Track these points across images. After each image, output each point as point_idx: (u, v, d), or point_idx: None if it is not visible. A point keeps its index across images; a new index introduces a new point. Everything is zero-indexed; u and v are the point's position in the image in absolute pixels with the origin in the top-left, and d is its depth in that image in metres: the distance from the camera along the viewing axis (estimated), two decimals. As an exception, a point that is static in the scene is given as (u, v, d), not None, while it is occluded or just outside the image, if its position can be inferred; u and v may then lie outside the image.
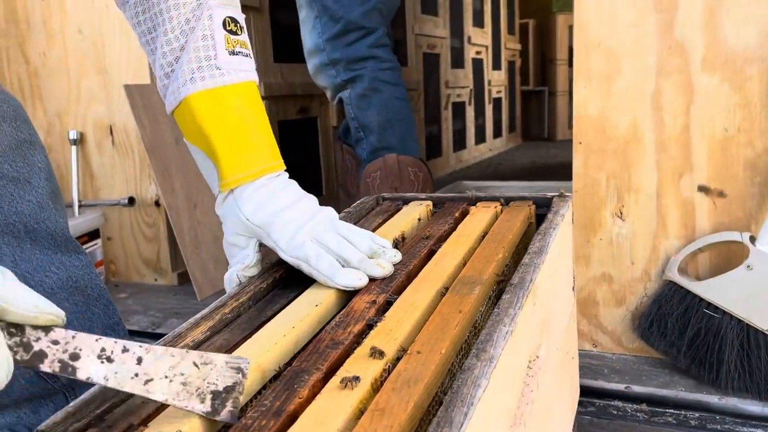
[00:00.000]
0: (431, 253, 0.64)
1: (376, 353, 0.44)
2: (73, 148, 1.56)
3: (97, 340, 0.38)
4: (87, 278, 0.74)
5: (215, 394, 0.39)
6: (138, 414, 0.41)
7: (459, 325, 0.47)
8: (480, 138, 3.77)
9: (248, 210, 0.61)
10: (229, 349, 0.50)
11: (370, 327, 0.49)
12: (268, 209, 0.61)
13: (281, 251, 0.61)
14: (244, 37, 0.63)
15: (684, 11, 1.00)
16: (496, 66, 3.98)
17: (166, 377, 0.39)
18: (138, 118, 1.44)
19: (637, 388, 0.99)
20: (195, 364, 0.39)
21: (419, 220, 0.77)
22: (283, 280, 0.64)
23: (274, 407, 0.39)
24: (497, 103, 4.03)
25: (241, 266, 0.62)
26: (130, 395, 0.43)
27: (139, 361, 0.38)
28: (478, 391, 0.40)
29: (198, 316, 0.54)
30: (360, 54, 1.42)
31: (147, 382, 0.38)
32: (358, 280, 0.57)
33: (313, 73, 1.51)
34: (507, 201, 0.78)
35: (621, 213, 1.07)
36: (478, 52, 3.65)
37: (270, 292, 0.61)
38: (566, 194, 0.76)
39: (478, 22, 3.63)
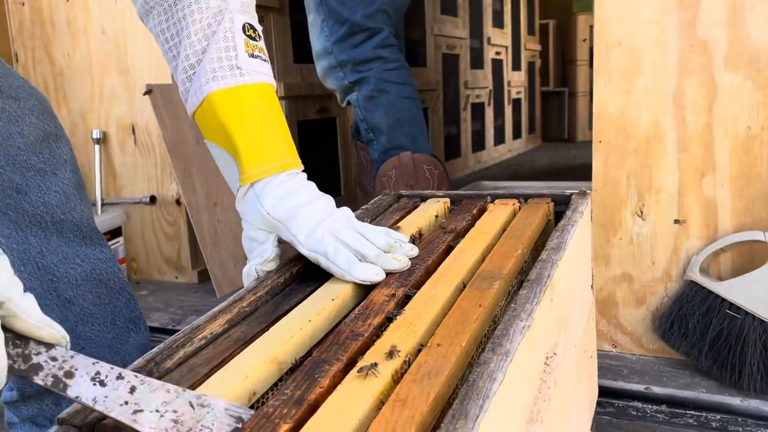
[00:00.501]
0: (449, 249, 0.64)
1: (395, 352, 0.43)
2: (96, 147, 1.59)
3: (94, 363, 0.39)
4: (110, 271, 0.75)
5: None
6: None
7: (479, 319, 0.47)
8: (499, 139, 3.76)
9: (269, 204, 0.62)
10: (246, 342, 0.50)
11: (389, 320, 0.49)
12: (289, 204, 0.62)
13: (300, 245, 0.61)
14: (261, 43, 0.65)
15: (706, 8, 0.98)
16: (516, 67, 3.96)
17: (157, 411, 0.38)
18: (160, 117, 1.46)
19: (657, 389, 0.97)
20: (191, 404, 0.38)
21: (437, 217, 0.77)
22: (300, 275, 0.64)
23: (296, 396, 0.39)
24: (517, 103, 4.01)
25: (260, 260, 0.63)
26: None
27: (132, 390, 0.38)
28: (494, 384, 0.40)
29: (216, 309, 0.55)
30: (366, 55, 1.42)
31: (136, 412, 0.37)
32: (375, 275, 0.57)
33: (321, 76, 1.52)
34: (525, 198, 0.78)
35: (641, 212, 1.06)
36: (497, 53, 3.63)
37: (287, 286, 0.62)
38: (586, 191, 0.76)
39: (498, 23, 3.61)
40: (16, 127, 0.70)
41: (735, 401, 0.93)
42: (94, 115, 1.60)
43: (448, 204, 0.81)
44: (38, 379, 0.37)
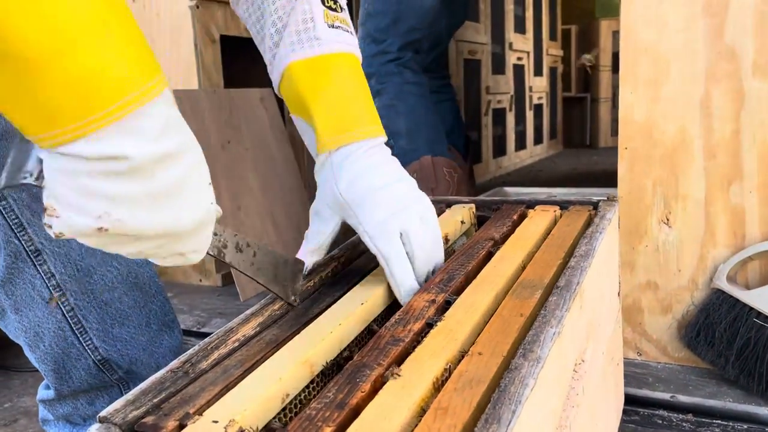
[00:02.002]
0: (490, 255, 0.64)
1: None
2: (124, 151, 1.61)
3: (235, 235, 0.52)
4: (146, 275, 0.77)
5: (289, 286, 0.57)
6: (193, 403, 0.43)
7: (520, 328, 0.48)
8: (520, 144, 3.74)
9: (343, 183, 0.60)
10: (278, 344, 0.51)
11: (429, 326, 0.50)
12: (362, 185, 0.60)
13: (366, 234, 0.60)
14: (344, 15, 0.64)
15: (734, 15, 0.98)
16: (538, 72, 3.95)
17: (267, 269, 0.55)
18: (186, 123, 1.47)
19: (683, 398, 0.97)
20: (286, 262, 0.57)
21: (462, 222, 0.78)
22: (329, 279, 0.65)
23: (338, 400, 0.40)
24: (538, 109, 4.00)
25: (313, 246, 0.63)
26: (186, 385, 0.45)
27: (254, 254, 0.54)
28: (526, 390, 0.40)
29: (248, 312, 0.56)
30: (390, 70, 1.56)
31: (258, 270, 0.54)
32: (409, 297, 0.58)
33: None
34: (565, 205, 0.77)
35: (668, 220, 1.05)
36: (519, 58, 3.62)
37: (317, 290, 0.63)
38: (614, 198, 0.76)
39: (520, 29, 3.61)
40: None
41: (762, 411, 0.92)
42: (122, 119, 1.63)
43: (474, 210, 0.81)
44: (210, 250, 0.49)
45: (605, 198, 0.76)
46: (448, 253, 0.70)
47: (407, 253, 0.59)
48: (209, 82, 1.56)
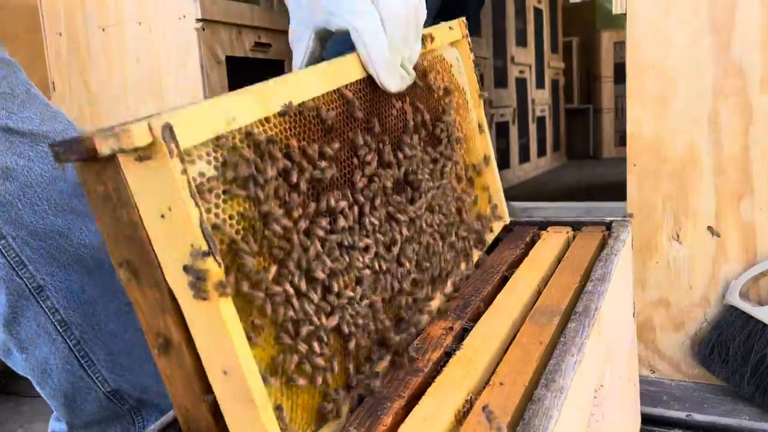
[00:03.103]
0: (504, 279, 0.64)
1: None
2: (131, 172, 1.62)
3: None
4: None
5: None
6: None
7: (540, 356, 0.47)
8: (524, 157, 3.74)
9: None
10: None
11: (448, 355, 0.49)
12: None
13: (333, 15, 0.52)
14: None
15: (740, 31, 0.98)
16: (540, 85, 3.96)
17: None
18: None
19: (698, 417, 0.96)
20: None
21: (450, 29, 0.69)
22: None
23: (359, 434, 0.40)
24: (541, 121, 4.00)
25: (307, 58, 0.56)
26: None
27: None
28: (550, 422, 0.40)
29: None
30: None
31: None
32: (396, 87, 0.53)
33: None
34: (578, 226, 0.77)
35: (678, 236, 1.05)
36: (521, 72, 3.63)
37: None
38: (627, 219, 0.75)
39: (521, 42, 3.62)
40: (60, 171, 0.72)
41: (780, 429, 0.91)
42: (128, 141, 1.64)
43: (464, 22, 0.72)
44: None
45: (618, 218, 0.76)
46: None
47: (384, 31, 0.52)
48: (215, 102, 1.57)
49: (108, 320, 0.72)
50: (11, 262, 0.68)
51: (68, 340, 0.70)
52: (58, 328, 0.70)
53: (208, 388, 0.38)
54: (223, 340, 0.36)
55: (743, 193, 1.00)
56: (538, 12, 3.85)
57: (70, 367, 0.71)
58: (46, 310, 0.69)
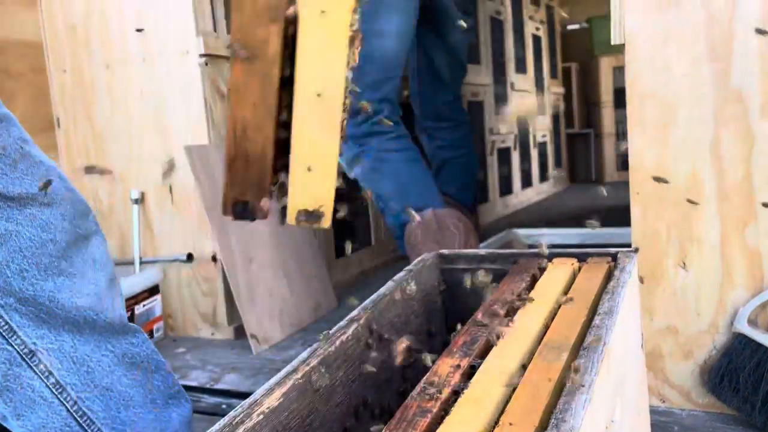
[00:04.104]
0: (510, 313, 0.63)
1: None
2: (135, 207, 1.62)
3: None
4: (144, 354, 0.76)
5: None
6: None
7: (550, 394, 0.47)
8: (526, 182, 3.75)
9: None
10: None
11: (456, 393, 0.49)
12: None
13: None
14: None
15: (739, 59, 0.99)
16: (540, 110, 3.99)
17: None
18: (197, 177, 1.49)
19: (711, 448, 0.94)
20: None
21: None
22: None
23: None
24: (542, 147, 4.02)
25: None
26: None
27: None
28: (563, 465, 0.39)
29: (272, 381, 0.55)
30: (365, 131, 1.50)
31: None
32: None
33: None
34: (583, 257, 0.77)
35: (684, 263, 1.04)
36: (521, 98, 3.66)
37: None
38: (632, 250, 0.75)
39: (521, 68, 3.65)
40: (49, 234, 0.71)
41: (795, 459, 0.90)
42: (132, 175, 1.65)
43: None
44: None
45: (624, 249, 0.76)
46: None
47: None
48: (219, 136, 1.58)
49: (102, 376, 0.72)
50: (1, 331, 0.67)
51: (65, 402, 0.69)
52: (54, 391, 0.69)
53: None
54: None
55: (748, 219, 1.00)
56: (536, 39, 3.90)
57: (69, 429, 0.70)
58: (40, 374, 0.69)
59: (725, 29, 0.99)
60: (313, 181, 0.58)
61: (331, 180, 0.60)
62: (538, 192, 3.94)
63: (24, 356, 0.68)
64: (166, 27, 1.55)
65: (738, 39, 0.99)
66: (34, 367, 0.69)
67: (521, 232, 1.91)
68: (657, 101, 1.04)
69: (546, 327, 0.60)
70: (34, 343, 0.68)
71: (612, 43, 1.07)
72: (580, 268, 0.75)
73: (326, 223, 0.61)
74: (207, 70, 1.55)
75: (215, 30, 1.66)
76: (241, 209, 0.61)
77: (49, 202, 0.72)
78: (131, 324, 0.78)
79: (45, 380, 0.69)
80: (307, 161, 0.59)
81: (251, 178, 0.63)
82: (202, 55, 1.53)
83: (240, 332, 1.60)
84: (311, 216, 0.58)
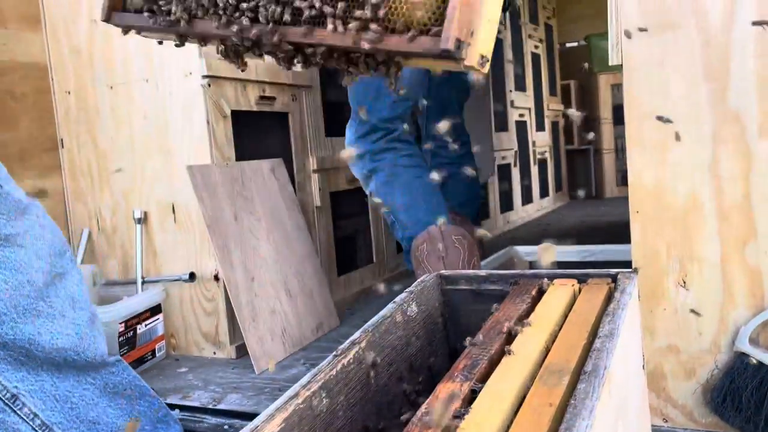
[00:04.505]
0: (511, 336, 0.64)
1: None
2: (138, 226, 1.63)
3: None
4: (125, 381, 0.76)
5: None
6: None
7: (551, 420, 0.47)
8: (527, 198, 3.77)
9: None
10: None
11: (457, 418, 0.49)
12: None
13: None
14: None
15: (736, 79, 1.00)
16: (540, 127, 4.01)
17: None
18: (199, 196, 1.50)
19: (714, 468, 0.94)
20: None
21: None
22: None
23: None
24: (542, 163, 4.04)
25: None
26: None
27: None
28: (564, 491, 0.40)
29: (272, 407, 0.56)
30: (380, 147, 1.58)
31: None
32: None
33: (350, 165, 1.68)
34: (583, 278, 0.77)
35: (684, 282, 1.05)
36: (521, 115, 3.68)
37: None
38: (632, 271, 0.75)
39: (520, 86, 3.68)
40: (24, 275, 0.71)
41: (798, 480, 0.90)
42: (135, 195, 1.66)
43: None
44: None
45: (624, 270, 0.76)
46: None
47: None
48: (221, 155, 1.59)
49: (87, 410, 0.71)
50: None
51: None
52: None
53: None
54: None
55: (747, 238, 1.01)
56: (535, 57, 3.93)
57: None
58: (25, 417, 0.68)
59: (722, 50, 1.00)
60: (491, 31, 0.64)
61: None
62: (539, 208, 3.95)
63: (7, 402, 0.67)
64: (170, 49, 1.57)
65: (734, 60, 1.00)
66: (18, 411, 0.68)
67: (522, 249, 1.91)
68: (655, 122, 1.05)
69: (547, 350, 0.61)
70: (16, 387, 0.67)
71: (609, 64, 1.08)
72: (580, 290, 0.75)
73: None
74: (209, 90, 1.56)
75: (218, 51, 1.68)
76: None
77: (22, 243, 0.71)
78: (110, 358, 0.78)
79: (30, 423, 0.68)
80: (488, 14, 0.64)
81: None
82: (204, 76, 1.55)
83: (242, 351, 1.60)
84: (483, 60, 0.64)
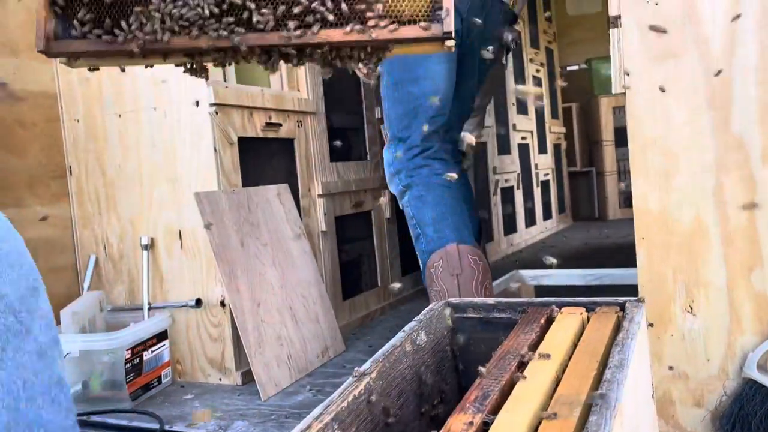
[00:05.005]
0: (521, 366, 0.64)
1: None
2: (145, 253, 1.64)
3: None
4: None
5: None
6: None
7: None
8: (530, 221, 3.77)
9: None
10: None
11: None
12: None
13: None
14: None
15: (739, 107, 1.01)
16: (542, 150, 4.03)
17: None
18: (206, 222, 1.51)
19: (725, 496, 0.93)
20: None
21: None
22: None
23: None
24: (545, 185, 4.05)
25: None
26: None
27: None
28: None
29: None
30: (417, 163, 1.62)
31: None
32: None
33: (388, 183, 1.71)
34: (591, 306, 0.78)
35: (691, 308, 1.05)
36: (523, 138, 3.71)
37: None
38: (640, 300, 0.76)
39: (522, 110, 3.71)
40: None
41: None
42: (142, 222, 1.67)
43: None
44: None
45: (631, 298, 0.77)
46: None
47: None
48: (228, 182, 1.61)
49: None
50: None
51: None
52: None
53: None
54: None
55: (753, 264, 1.01)
56: (537, 80, 3.96)
57: None
58: None
59: (724, 78, 1.02)
60: None
61: None
62: (542, 230, 3.96)
63: None
64: (178, 77, 1.59)
65: (737, 88, 1.01)
66: None
67: (527, 273, 1.92)
68: (658, 148, 1.06)
69: (557, 380, 0.61)
70: None
71: (613, 92, 1.10)
72: (588, 318, 0.76)
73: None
74: (217, 118, 1.58)
75: (225, 80, 1.71)
76: None
77: None
78: (65, 387, 0.74)
79: None
80: None
81: None
82: (212, 104, 1.57)
83: (248, 377, 1.60)
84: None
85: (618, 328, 0.72)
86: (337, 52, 0.73)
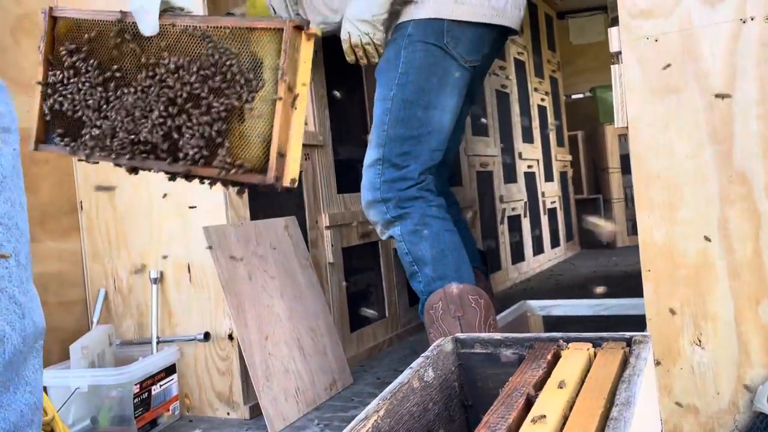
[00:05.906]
0: (529, 404, 0.64)
1: None
2: (154, 287, 1.65)
3: None
4: None
5: None
6: None
7: None
8: (538, 249, 3.77)
9: None
10: None
11: None
12: None
13: None
14: None
15: (740, 141, 1.02)
16: (549, 178, 4.04)
17: None
18: (215, 256, 1.52)
19: None
20: None
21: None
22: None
23: None
24: (552, 213, 4.06)
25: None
26: None
27: None
28: None
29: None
30: (411, 195, 1.55)
31: None
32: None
33: (365, 206, 1.61)
34: (598, 342, 0.78)
35: (699, 341, 1.05)
36: (529, 166, 3.73)
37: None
38: (645, 337, 0.76)
39: (528, 138, 3.74)
40: None
41: None
42: (152, 256, 1.68)
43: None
44: None
45: (638, 333, 0.77)
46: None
47: None
48: (237, 215, 1.63)
49: None
50: None
51: None
52: None
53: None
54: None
55: (760, 296, 1.01)
56: (542, 109, 3.99)
57: None
58: None
59: (725, 113, 1.03)
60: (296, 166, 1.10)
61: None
62: (550, 258, 3.95)
63: None
64: (187, 113, 1.62)
65: (738, 122, 1.02)
66: None
67: (534, 303, 1.91)
68: (662, 182, 1.07)
69: (564, 418, 0.61)
70: None
71: (615, 126, 1.11)
72: (595, 354, 0.76)
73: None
74: (225, 153, 1.60)
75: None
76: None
77: None
78: None
79: None
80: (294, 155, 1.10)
81: None
82: (220, 140, 1.59)
83: (256, 411, 1.59)
84: (293, 181, 1.09)
85: (625, 364, 0.72)
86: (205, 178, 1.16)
